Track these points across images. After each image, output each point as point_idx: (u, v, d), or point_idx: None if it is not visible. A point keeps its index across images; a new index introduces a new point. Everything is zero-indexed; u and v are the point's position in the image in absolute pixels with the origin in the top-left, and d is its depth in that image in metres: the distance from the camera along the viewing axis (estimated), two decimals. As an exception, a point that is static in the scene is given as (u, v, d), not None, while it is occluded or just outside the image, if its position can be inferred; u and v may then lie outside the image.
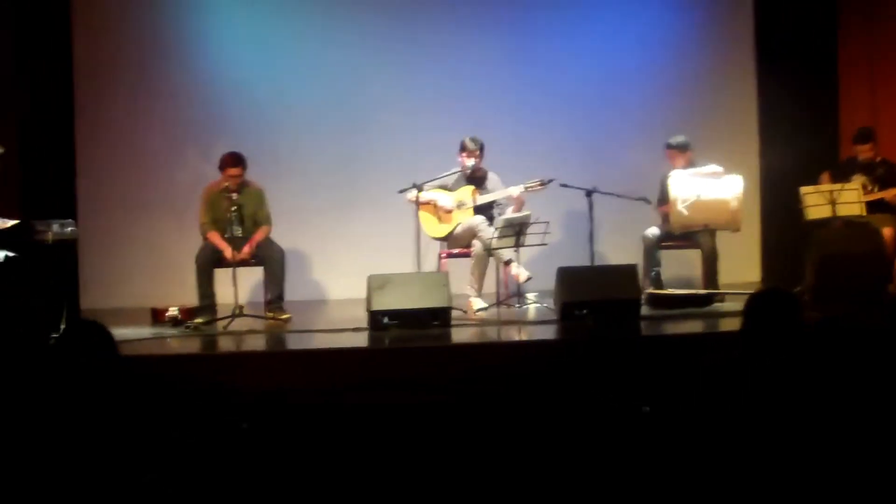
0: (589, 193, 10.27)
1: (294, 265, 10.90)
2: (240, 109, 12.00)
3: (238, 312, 9.68)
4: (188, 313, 10.08)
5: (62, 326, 9.21)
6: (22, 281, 9.12)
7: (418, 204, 10.31)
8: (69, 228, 9.64)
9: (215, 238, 10.14)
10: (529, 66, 12.09)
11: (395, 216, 10.98)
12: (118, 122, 11.96)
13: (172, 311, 10.08)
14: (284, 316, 9.99)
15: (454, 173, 10.56)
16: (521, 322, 9.68)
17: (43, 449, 4.69)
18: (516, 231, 9.85)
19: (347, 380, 7.96)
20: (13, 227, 9.29)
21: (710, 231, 10.47)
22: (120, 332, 5.06)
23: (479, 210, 10.41)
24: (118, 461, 4.70)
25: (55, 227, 9.47)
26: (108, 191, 11.94)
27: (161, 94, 12.00)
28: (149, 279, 11.77)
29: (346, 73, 12.04)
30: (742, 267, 11.66)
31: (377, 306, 9.19)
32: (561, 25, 12.14)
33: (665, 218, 10.62)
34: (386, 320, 9.13)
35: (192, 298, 10.24)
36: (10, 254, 9.19)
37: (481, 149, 10.48)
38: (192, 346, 9.37)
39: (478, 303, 10.11)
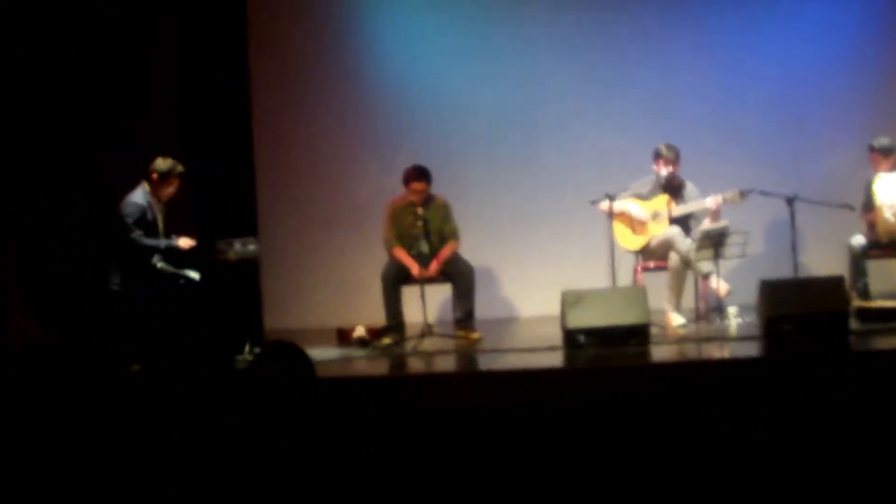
0: (790, 201, 9.92)
1: (483, 281, 10.76)
2: (421, 121, 11.95)
3: (427, 332, 9.66)
4: (375, 333, 10.05)
5: (247, 347, 9.40)
6: (205, 301, 9.35)
7: (611, 215, 10.13)
8: (251, 246, 9.83)
9: (401, 254, 10.09)
10: (722, 68, 11.78)
11: (588, 228, 10.86)
12: (297, 137, 12.04)
13: (359, 332, 10.05)
14: (475, 335, 9.90)
15: (648, 182, 10.35)
16: (723, 338, 9.37)
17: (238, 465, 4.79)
18: (715, 243, 9.72)
19: (543, 401, 7.73)
20: (194, 246, 9.52)
21: (922, 239, 10.05)
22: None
23: (674, 221, 10.21)
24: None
25: (237, 245, 9.68)
26: (288, 207, 12.02)
27: (340, 108, 12.03)
28: (332, 297, 11.80)
29: (533, 80, 11.88)
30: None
31: (573, 324, 9.03)
32: (753, 26, 11.75)
33: (871, 226, 10.20)
34: (582, 338, 8.96)
35: (378, 317, 10.20)
36: (193, 274, 9.43)
37: (677, 156, 10.25)
38: (381, 367, 9.44)
39: (677, 318, 9.92)
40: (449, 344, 9.70)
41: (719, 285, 9.83)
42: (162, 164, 9.47)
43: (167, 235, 9.58)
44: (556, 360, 8.82)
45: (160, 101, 11.21)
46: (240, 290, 9.78)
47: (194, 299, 9.30)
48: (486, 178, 11.86)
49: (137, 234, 9.27)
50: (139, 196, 9.42)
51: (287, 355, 5.07)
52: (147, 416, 7.82)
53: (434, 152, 11.22)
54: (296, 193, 11.98)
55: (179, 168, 9.56)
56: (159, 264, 9.39)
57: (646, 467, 6.09)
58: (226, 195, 11.36)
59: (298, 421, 4.87)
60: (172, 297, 9.27)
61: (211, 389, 7.93)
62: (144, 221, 9.36)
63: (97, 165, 10.78)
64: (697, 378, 8.03)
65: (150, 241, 9.35)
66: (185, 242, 9.48)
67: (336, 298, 11.70)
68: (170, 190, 9.55)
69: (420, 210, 9.97)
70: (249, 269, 10.21)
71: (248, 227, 10.98)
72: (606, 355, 8.74)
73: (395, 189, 10.53)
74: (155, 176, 9.44)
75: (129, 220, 9.29)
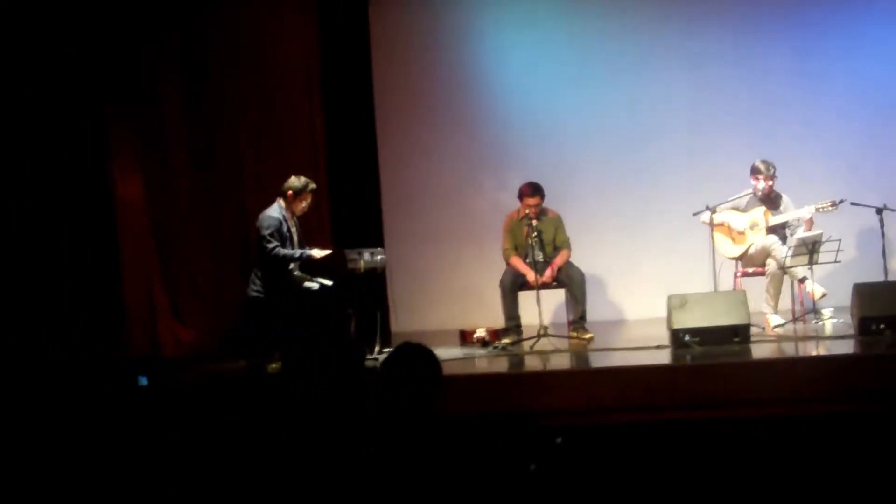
0: (879, 211, 10.14)
1: (594, 286, 11.10)
2: (532, 138, 12.32)
3: (543, 333, 9.94)
4: (495, 334, 10.40)
5: (376, 348, 9.83)
6: (338, 306, 9.66)
7: (712, 226, 10.44)
8: (379, 257, 10.16)
9: (518, 263, 10.47)
10: (817, 82, 11.99)
11: (690, 237, 11.11)
12: (418, 158, 12.53)
13: (480, 333, 10.44)
14: (588, 335, 10.28)
15: (746, 195, 10.57)
16: (819, 337, 9.62)
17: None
18: (810, 249, 9.92)
19: (653, 396, 8.18)
20: (327, 256, 9.78)
21: None
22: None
23: (771, 230, 10.43)
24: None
25: (366, 255, 9.97)
26: (411, 221, 12.49)
27: (456, 128, 12.48)
28: (453, 303, 12.23)
29: (635, 98, 12.21)
30: None
31: (678, 324, 9.35)
32: (846, 39, 11.96)
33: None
34: (687, 338, 9.27)
35: (495, 321, 10.59)
36: (326, 282, 9.73)
37: (773, 171, 10.43)
38: (501, 365, 9.71)
39: (775, 319, 10.12)
40: (563, 344, 9.98)
41: (814, 289, 10.02)
42: (296, 181, 9.81)
43: (301, 247, 9.86)
44: (663, 357, 9.13)
45: (299, 127, 11.88)
46: (368, 296, 10.07)
47: (328, 304, 9.58)
48: (595, 192, 12.21)
49: (274, 245, 9.57)
50: (275, 210, 9.73)
51: (417, 354, 5.10)
52: (284, 410, 8.28)
53: (546, 168, 11.54)
54: (418, 209, 12.47)
55: (312, 185, 9.87)
56: (296, 272, 9.69)
57: (754, 460, 6.21)
58: (355, 211, 11.96)
59: (426, 415, 4.96)
60: (308, 302, 9.59)
61: (345, 386, 8.34)
62: (280, 234, 9.66)
63: (244, 181, 11.52)
64: (797, 374, 8.30)
65: (286, 252, 9.63)
66: (317, 253, 9.74)
67: (456, 304, 12.13)
68: (303, 205, 9.85)
69: (534, 222, 10.30)
70: (377, 277, 10.58)
71: (376, 240, 11.51)
72: (710, 353, 8.99)
73: (508, 204, 10.95)
74: (290, 193, 9.75)
75: (267, 233, 9.57)
